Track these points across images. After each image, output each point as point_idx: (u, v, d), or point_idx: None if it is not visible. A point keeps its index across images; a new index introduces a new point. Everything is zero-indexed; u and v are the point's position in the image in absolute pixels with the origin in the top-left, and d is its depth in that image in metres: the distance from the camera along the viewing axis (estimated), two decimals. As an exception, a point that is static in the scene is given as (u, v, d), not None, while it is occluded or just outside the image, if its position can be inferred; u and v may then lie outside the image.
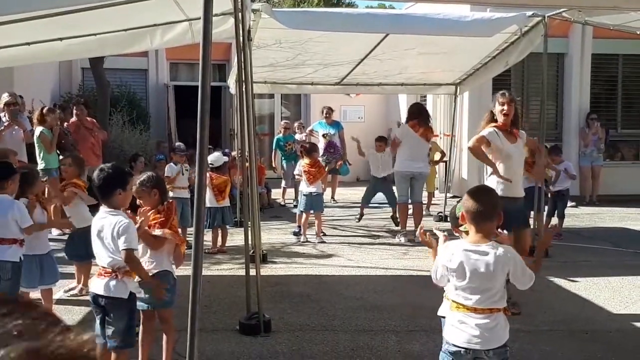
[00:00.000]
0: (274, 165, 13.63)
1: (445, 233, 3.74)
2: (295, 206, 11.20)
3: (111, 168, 4.27)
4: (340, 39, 8.01)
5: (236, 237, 8.76)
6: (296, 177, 9.97)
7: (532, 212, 8.66)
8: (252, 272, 5.46)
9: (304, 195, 9.41)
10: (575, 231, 10.13)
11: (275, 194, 12.99)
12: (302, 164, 9.56)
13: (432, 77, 10.84)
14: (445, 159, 12.37)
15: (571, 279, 7.22)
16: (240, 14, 5.46)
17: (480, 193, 3.56)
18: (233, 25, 5.62)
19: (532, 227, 8.44)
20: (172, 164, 9.04)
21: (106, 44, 7.07)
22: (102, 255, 4.12)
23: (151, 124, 15.93)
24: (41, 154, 9.48)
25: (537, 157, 7.76)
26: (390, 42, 8.46)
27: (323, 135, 13.05)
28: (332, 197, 13.23)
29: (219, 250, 8.57)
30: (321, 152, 12.31)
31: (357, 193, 14.10)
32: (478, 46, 8.89)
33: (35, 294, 5.80)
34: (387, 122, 16.98)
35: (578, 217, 11.50)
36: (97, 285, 4.15)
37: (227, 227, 8.82)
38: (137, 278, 4.21)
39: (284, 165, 13.15)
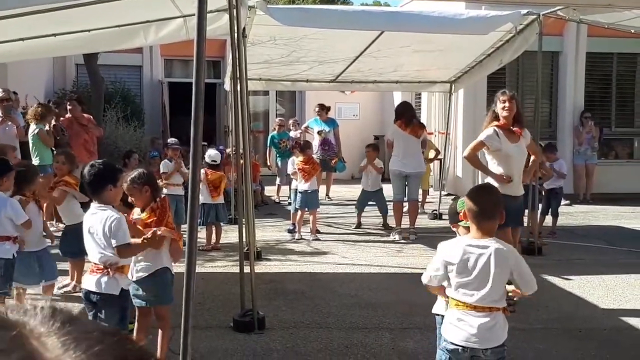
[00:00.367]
0: (268, 163, 13.61)
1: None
2: (290, 204, 11.20)
3: (102, 164, 4.27)
4: (335, 36, 8.00)
5: (230, 235, 8.74)
6: (290, 175, 9.94)
7: (526, 211, 8.70)
8: (247, 269, 5.45)
9: (299, 192, 9.40)
10: (569, 229, 10.14)
11: (270, 191, 12.97)
12: (296, 161, 9.55)
13: (427, 75, 10.84)
14: (439, 156, 12.37)
15: (565, 277, 7.23)
16: (235, 10, 5.44)
17: (483, 192, 3.56)
18: (228, 22, 5.60)
19: (526, 225, 8.48)
20: (166, 160, 9.02)
21: (100, 40, 7.04)
22: (94, 252, 4.11)
23: (145, 121, 15.90)
24: (36, 151, 9.45)
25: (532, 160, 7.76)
26: (385, 40, 8.46)
27: (318, 133, 13.04)
28: (327, 195, 13.23)
29: (213, 247, 8.55)
30: (316, 149, 12.31)
31: (352, 191, 14.09)
32: (473, 44, 8.89)
33: (33, 290, 5.81)
34: (382, 119, 16.99)
35: (572, 215, 11.52)
36: (89, 281, 4.14)
37: (222, 224, 8.81)
38: (129, 275, 4.20)
39: (279, 163, 13.14)
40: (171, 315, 4.54)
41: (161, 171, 8.66)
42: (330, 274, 7.40)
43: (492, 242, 3.30)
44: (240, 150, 6.11)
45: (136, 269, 4.38)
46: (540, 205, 8.93)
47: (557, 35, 13.13)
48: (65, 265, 6.60)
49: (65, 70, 16.31)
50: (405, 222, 9.44)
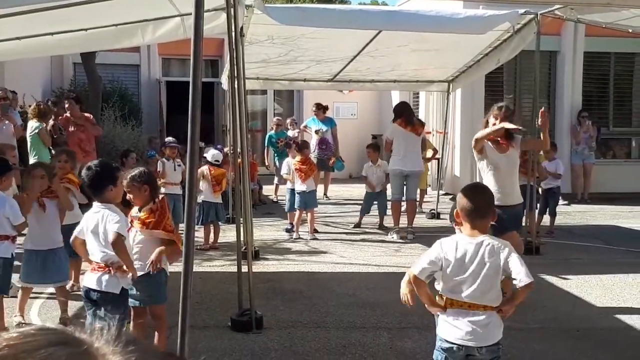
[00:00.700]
0: (266, 163, 13.61)
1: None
2: (287, 203, 11.21)
3: (99, 165, 4.27)
4: (333, 35, 8.00)
5: (228, 234, 8.73)
6: (284, 176, 9.89)
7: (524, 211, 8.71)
8: (244, 268, 5.44)
9: (297, 193, 9.39)
10: (567, 229, 10.15)
11: (268, 190, 12.96)
12: (294, 161, 9.54)
13: (424, 74, 10.84)
14: (437, 156, 12.37)
15: (563, 276, 7.24)
16: (232, 9, 5.43)
17: (475, 191, 3.57)
18: (225, 21, 5.59)
19: (523, 224, 8.48)
20: (164, 159, 9.04)
21: (98, 39, 7.03)
22: (96, 251, 4.12)
23: (143, 120, 15.86)
24: (34, 150, 9.43)
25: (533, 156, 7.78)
26: (383, 39, 8.45)
27: (316, 132, 13.03)
28: (325, 194, 13.22)
29: (211, 246, 8.55)
30: (313, 148, 12.31)
31: (350, 190, 14.11)
32: (470, 43, 8.89)
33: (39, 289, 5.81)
34: (379, 119, 16.99)
35: (570, 214, 11.53)
36: (90, 279, 4.15)
37: (220, 223, 8.81)
38: (130, 275, 4.19)
39: (276, 162, 13.12)
40: (167, 315, 4.53)
41: (158, 170, 8.67)
42: (328, 273, 7.40)
43: (486, 238, 3.31)
44: (238, 150, 6.10)
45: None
46: (538, 205, 8.93)
47: (555, 35, 13.14)
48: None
49: (63, 69, 16.28)
50: (403, 221, 9.45)
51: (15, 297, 5.67)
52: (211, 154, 9.01)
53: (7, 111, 9.55)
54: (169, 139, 10.06)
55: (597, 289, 6.79)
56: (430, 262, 3.35)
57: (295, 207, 9.44)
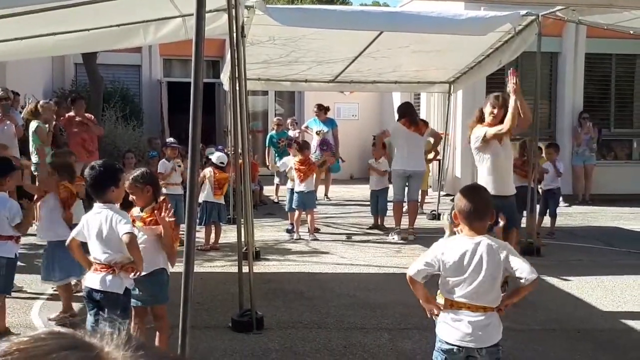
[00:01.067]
0: (267, 164, 13.62)
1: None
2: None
3: (102, 165, 4.26)
4: (334, 36, 8.00)
5: (229, 234, 8.73)
6: (278, 166, 10.02)
7: (524, 212, 8.71)
8: (245, 269, 5.45)
9: (296, 193, 9.40)
10: (568, 230, 10.15)
11: (269, 191, 12.97)
12: (293, 161, 9.55)
13: (425, 76, 10.85)
14: (438, 157, 12.37)
15: (564, 278, 7.23)
16: (234, 10, 5.44)
17: (473, 192, 3.57)
18: (227, 22, 5.60)
19: (524, 226, 8.48)
20: (164, 160, 9.04)
21: (99, 39, 7.03)
22: (99, 251, 4.11)
23: (144, 120, 15.88)
24: (36, 149, 9.44)
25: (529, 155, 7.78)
26: (384, 40, 8.45)
27: (317, 133, 13.04)
28: (326, 195, 13.22)
29: (212, 247, 8.55)
30: (314, 149, 12.31)
31: (351, 191, 14.12)
32: (472, 44, 8.89)
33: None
34: (381, 120, 16.99)
35: (571, 216, 11.53)
36: (93, 280, 4.14)
37: (221, 224, 8.81)
38: (131, 275, 4.19)
39: (277, 162, 13.12)
40: (168, 315, 4.54)
41: (159, 171, 8.67)
42: (329, 274, 7.40)
43: (484, 239, 3.31)
44: (239, 150, 6.10)
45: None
46: (538, 206, 8.93)
47: (556, 36, 13.14)
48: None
49: (64, 69, 16.29)
50: (404, 222, 9.44)
51: (16, 297, 5.68)
52: (216, 156, 9.03)
53: (9, 111, 9.55)
54: (170, 139, 10.07)
55: (598, 291, 6.79)
56: (426, 263, 3.35)
57: (294, 206, 9.45)
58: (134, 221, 4.43)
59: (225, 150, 10.99)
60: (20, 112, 10.35)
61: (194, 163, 3.77)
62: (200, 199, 8.65)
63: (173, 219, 4.38)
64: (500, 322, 3.38)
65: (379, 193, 10.21)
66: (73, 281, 5.85)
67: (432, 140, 10.28)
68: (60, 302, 5.76)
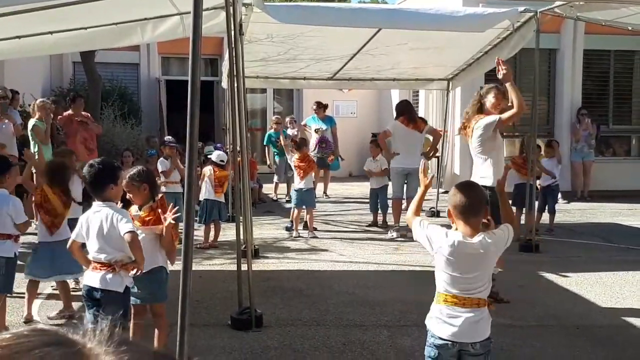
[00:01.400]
0: (268, 163, 13.64)
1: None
2: (288, 201, 11.23)
3: (100, 163, 4.26)
4: (332, 33, 7.99)
5: (228, 232, 8.74)
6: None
7: (523, 209, 8.72)
8: (244, 267, 5.45)
9: (294, 190, 9.43)
10: (567, 227, 10.15)
11: (268, 188, 12.97)
12: (293, 159, 9.56)
13: (424, 73, 10.84)
14: (437, 154, 12.36)
15: (562, 274, 7.24)
16: (231, 7, 5.43)
17: (468, 188, 3.57)
18: (225, 20, 5.59)
19: (523, 222, 8.50)
20: (162, 158, 9.04)
21: (97, 37, 7.03)
22: (100, 250, 4.11)
23: (143, 119, 15.87)
24: (36, 147, 9.43)
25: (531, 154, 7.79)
26: (382, 37, 8.44)
27: (315, 130, 13.03)
28: (325, 193, 13.23)
29: (211, 245, 8.56)
30: (313, 147, 12.32)
31: (350, 189, 14.13)
32: (470, 41, 8.88)
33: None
34: (379, 117, 16.98)
35: (569, 212, 11.53)
36: (92, 278, 4.13)
37: (220, 222, 8.81)
38: (132, 273, 4.19)
39: (276, 160, 13.14)
40: (167, 313, 4.54)
41: (159, 170, 8.68)
42: (328, 271, 7.40)
43: (480, 234, 3.33)
44: (238, 148, 6.10)
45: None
46: (536, 203, 8.93)
47: (555, 33, 13.13)
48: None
49: (62, 68, 16.28)
50: (403, 219, 9.44)
51: (17, 297, 5.68)
52: (216, 154, 9.04)
53: (7, 110, 9.54)
54: (168, 137, 10.06)
55: (596, 287, 6.80)
56: (430, 232, 3.42)
57: (293, 204, 9.47)
58: (132, 220, 4.44)
59: (224, 148, 10.99)
60: (19, 111, 10.34)
61: (192, 161, 3.77)
62: (201, 197, 8.66)
63: (175, 220, 4.38)
64: (490, 316, 3.43)
65: (379, 191, 10.21)
66: (71, 280, 5.85)
67: (431, 138, 10.27)
68: (60, 301, 5.77)
